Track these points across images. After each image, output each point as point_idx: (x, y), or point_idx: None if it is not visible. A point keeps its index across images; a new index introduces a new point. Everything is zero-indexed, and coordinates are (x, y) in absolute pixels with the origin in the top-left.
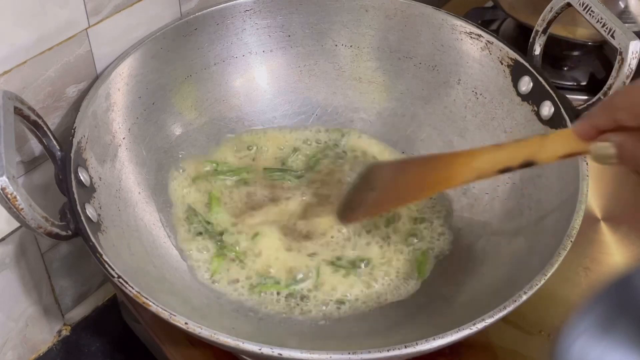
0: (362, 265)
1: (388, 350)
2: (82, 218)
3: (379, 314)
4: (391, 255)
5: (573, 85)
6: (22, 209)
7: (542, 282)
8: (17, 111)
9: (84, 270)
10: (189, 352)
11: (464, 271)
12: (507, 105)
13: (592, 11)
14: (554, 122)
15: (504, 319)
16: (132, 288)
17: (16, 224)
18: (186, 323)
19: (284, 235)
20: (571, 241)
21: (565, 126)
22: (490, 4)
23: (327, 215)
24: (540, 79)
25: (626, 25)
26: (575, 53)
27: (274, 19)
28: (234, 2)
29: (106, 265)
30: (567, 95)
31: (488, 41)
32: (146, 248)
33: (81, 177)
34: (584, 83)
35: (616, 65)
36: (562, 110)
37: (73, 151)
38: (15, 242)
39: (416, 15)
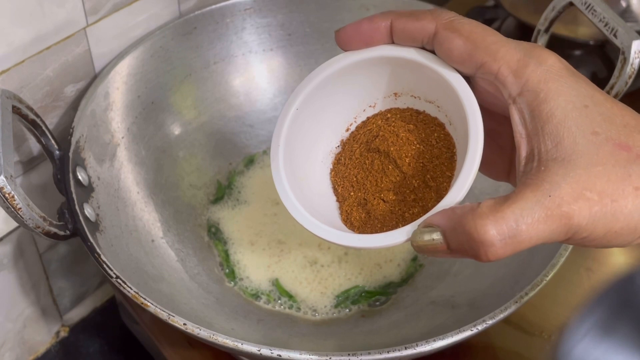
0: (362, 265)
1: (388, 352)
2: (81, 218)
3: (379, 315)
4: (394, 255)
5: None
6: (20, 208)
7: (544, 283)
8: (16, 110)
9: (82, 271)
10: (187, 353)
11: (465, 272)
12: None
13: (594, 10)
14: None
15: (505, 320)
16: (131, 288)
17: (14, 224)
18: (185, 324)
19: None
20: None
21: None
22: (491, 2)
23: None
24: None
25: (628, 24)
26: (577, 52)
27: (274, 18)
28: (234, 0)
29: (104, 265)
30: None
31: None
32: (145, 248)
33: (79, 177)
34: None
35: (618, 65)
36: None
37: (71, 150)
38: (13, 242)
39: None
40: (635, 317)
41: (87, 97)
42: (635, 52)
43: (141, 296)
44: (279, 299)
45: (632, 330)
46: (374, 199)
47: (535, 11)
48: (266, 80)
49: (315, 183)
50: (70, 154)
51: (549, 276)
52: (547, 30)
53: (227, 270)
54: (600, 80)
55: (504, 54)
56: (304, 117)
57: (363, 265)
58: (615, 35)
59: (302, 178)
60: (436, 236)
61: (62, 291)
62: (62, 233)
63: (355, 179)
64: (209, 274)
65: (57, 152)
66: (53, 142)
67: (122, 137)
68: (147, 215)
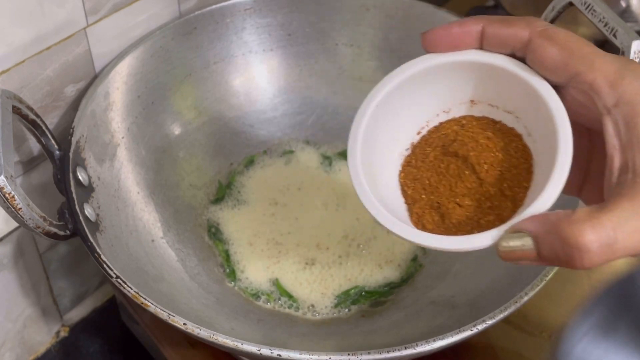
0: (362, 265)
1: (388, 352)
2: (81, 218)
3: (379, 315)
4: (394, 256)
5: None
6: (20, 208)
7: (544, 282)
8: (16, 110)
9: (82, 271)
10: (187, 353)
11: (465, 272)
12: None
13: (594, 10)
14: None
15: (505, 320)
16: (131, 288)
17: (14, 224)
18: (185, 324)
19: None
20: None
21: None
22: (491, 3)
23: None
24: None
25: (628, 24)
26: None
27: (274, 18)
28: (234, 0)
29: (104, 265)
30: None
31: None
32: (145, 248)
33: (80, 177)
34: None
35: None
36: None
37: (72, 150)
38: (13, 242)
39: (417, 14)
40: (635, 317)
41: (87, 97)
42: (635, 52)
43: (141, 296)
44: (279, 299)
45: (632, 330)
46: (449, 202)
47: (535, 11)
48: (266, 80)
49: (383, 183)
50: (71, 154)
51: (549, 276)
52: None
53: (227, 270)
54: None
55: (601, 65)
56: (380, 114)
57: (363, 266)
58: (615, 36)
59: (374, 178)
60: (527, 242)
61: (62, 291)
62: (62, 233)
63: (427, 182)
64: (209, 274)
65: (57, 152)
66: (53, 142)
67: (122, 137)
68: (147, 215)
